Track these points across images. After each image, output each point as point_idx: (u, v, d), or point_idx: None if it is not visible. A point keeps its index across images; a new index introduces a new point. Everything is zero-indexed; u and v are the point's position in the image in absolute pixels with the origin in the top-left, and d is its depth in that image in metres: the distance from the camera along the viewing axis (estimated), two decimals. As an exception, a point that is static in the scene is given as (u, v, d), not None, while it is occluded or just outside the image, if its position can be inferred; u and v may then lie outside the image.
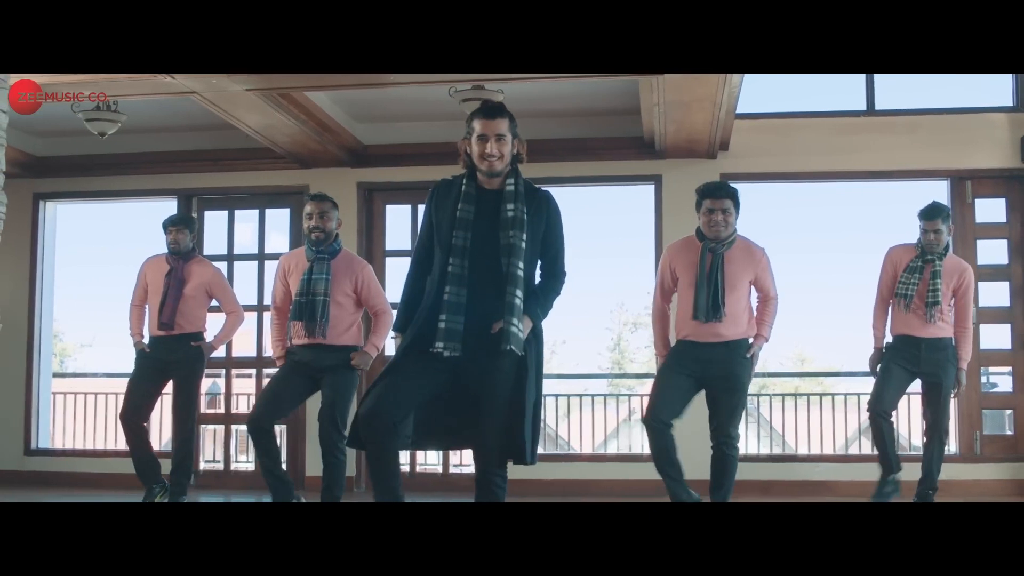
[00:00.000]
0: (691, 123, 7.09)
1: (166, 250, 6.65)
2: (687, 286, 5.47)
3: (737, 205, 5.48)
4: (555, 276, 4.13)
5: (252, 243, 8.69)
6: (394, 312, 4.96)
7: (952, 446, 8.20)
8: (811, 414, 11.25)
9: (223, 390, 8.68)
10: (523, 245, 3.94)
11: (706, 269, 5.38)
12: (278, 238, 8.63)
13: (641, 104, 7.04)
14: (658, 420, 5.36)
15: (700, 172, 7.97)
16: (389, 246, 8.41)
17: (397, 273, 8.35)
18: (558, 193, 7.43)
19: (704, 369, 5.40)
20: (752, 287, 5.57)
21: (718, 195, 5.44)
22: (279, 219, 8.61)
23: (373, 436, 3.86)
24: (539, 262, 4.08)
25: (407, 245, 8.39)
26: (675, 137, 7.43)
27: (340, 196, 8.24)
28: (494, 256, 3.94)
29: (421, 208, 8.20)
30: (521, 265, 3.94)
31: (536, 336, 4.03)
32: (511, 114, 4.05)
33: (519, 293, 3.91)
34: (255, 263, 8.56)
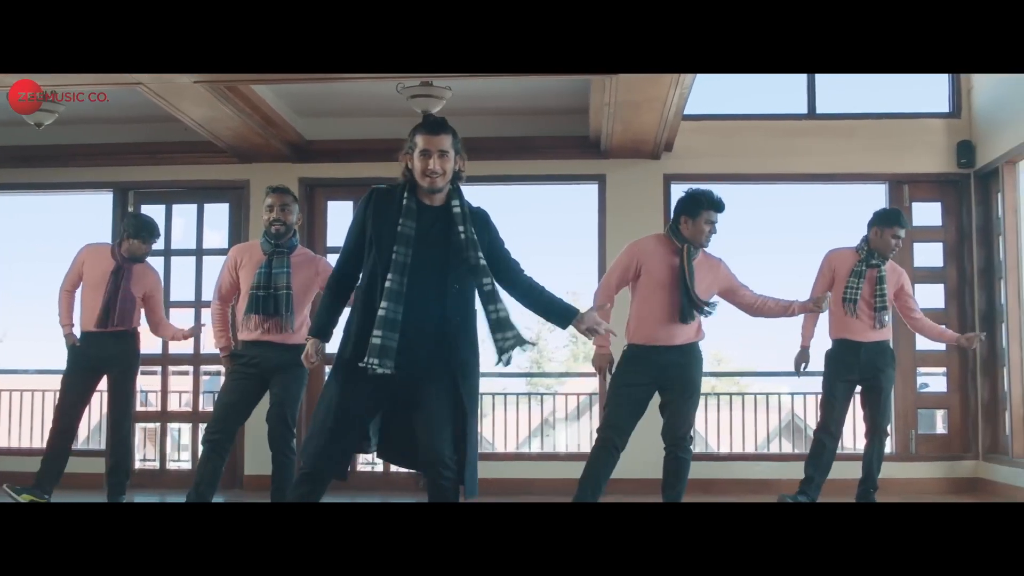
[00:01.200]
0: (639, 123, 7.13)
1: (112, 244, 6.50)
2: (659, 287, 5.42)
3: None
4: (523, 271, 4.18)
5: (190, 238, 8.53)
6: None
7: (888, 445, 8.36)
8: (731, 413, 11.44)
9: (160, 387, 8.50)
10: (484, 263, 3.94)
11: (685, 271, 5.38)
12: (216, 233, 8.49)
13: (591, 103, 7.06)
14: (614, 445, 5.36)
15: (644, 172, 8.04)
16: (331, 243, 8.32)
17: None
18: (502, 191, 7.42)
19: (662, 373, 5.41)
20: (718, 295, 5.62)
21: (721, 209, 5.46)
22: (218, 214, 8.47)
23: (312, 485, 3.92)
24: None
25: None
26: (622, 137, 7.45)
27: (281, 192, 8.22)
28: (432, 274, 3.89)
29: (364, 204, 8.30)
30: (490, 281, 3.95)
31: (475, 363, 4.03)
32: (454, 130, 4.00)
33: (501, 307, 3.94)
34: (192, 259, 8.41)
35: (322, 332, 4.06)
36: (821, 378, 6.43)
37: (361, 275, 3.96)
